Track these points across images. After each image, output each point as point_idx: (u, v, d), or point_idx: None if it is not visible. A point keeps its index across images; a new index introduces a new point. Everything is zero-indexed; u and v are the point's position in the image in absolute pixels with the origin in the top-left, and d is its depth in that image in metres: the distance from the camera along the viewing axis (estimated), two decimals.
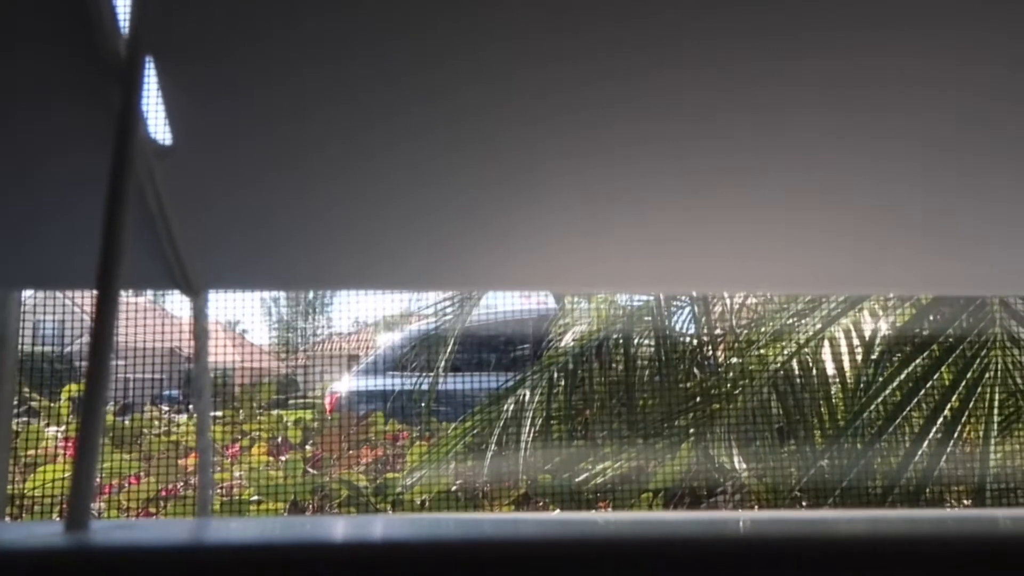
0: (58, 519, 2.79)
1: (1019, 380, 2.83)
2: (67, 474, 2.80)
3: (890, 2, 0.64)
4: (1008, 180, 0.79)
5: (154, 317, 3.77)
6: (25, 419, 3.49)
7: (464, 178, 0.76)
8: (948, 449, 2.72)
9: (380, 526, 0.64)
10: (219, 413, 3.61)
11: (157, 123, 0.68)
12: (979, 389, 2.80)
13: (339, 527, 0.65)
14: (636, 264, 0.88)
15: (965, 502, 3.01)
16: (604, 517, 0.82)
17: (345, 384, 5.00)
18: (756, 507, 2.96)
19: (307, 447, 3.51)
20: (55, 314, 4.17)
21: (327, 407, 4.46)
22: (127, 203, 0.61)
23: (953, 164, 0.78)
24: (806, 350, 3.12)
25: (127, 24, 0.61)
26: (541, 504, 2.98)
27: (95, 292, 0.61)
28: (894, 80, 0.69)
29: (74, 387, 3.63)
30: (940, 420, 2.78)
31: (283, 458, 3.30)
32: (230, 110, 0.68)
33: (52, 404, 3.56)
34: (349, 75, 0.67)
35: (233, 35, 0.64)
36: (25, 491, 2.79)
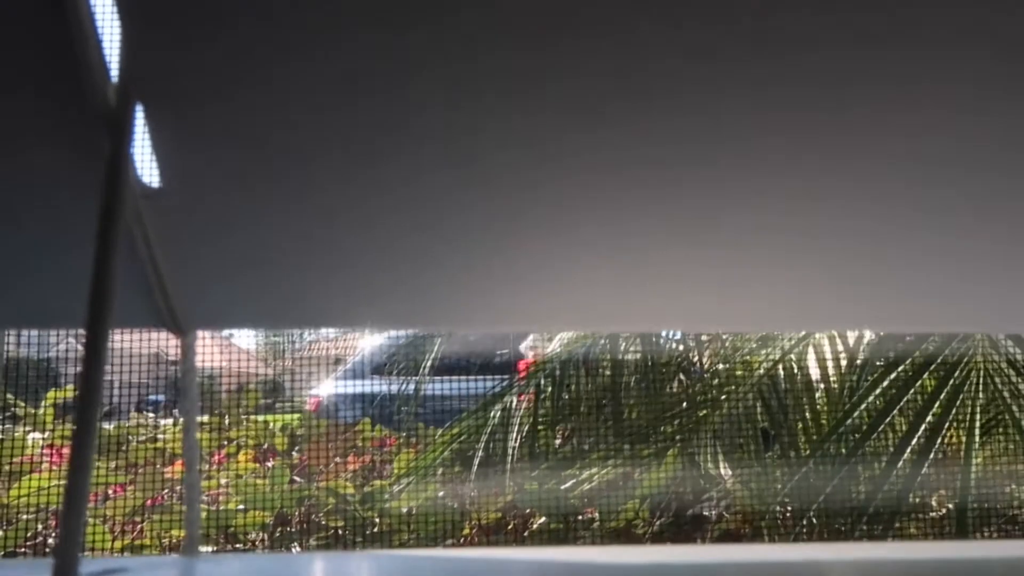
0: (41, 533, 2.77)
1: (1000, 386, 2.86)
2: (51, 484, 2.77)
3: (872, 60, 0.65)
4: (986, 223, 0.80)
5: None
6: (7, 426, 3.46)
7: (448, 225, 0.77)
8: (931, 454, 2.74)
9: (365, 567, 0.64)
10: (204, 419, 3.59)
11: (145, 166, 0.68)
12: (961, 395, 2.83)
13: (332, 569, 0.65)
14: (622, 304, 0.89)
15: (948, 506, 3.04)
16: (588, 555, 0.82)
17: (328, 387, 4.98)
18: (741, 515, 2.98)
19: (293, 453, 3.50)
20: None
21: (311, 411, 4.44)
22: (117, 245, 0.61)
23: (931, 209, 0.79)
24: (791, 357, 3.14)
25: (117, 71, 0.61)
26: (527, 512, 2.98)
27: (85, 332, 0.60)
28: (875, 129, 0.70)
29: (57, 394, 3.59)
30: (923, 426, 2.80)
31: (269, 464, 3.29)
32: (217, 154, 0.69)
33: (35, 411, 3.52)
34: (334, 122, 0.67)
35: (221, 82, 0.64)
36: (8, 501, 2.76)
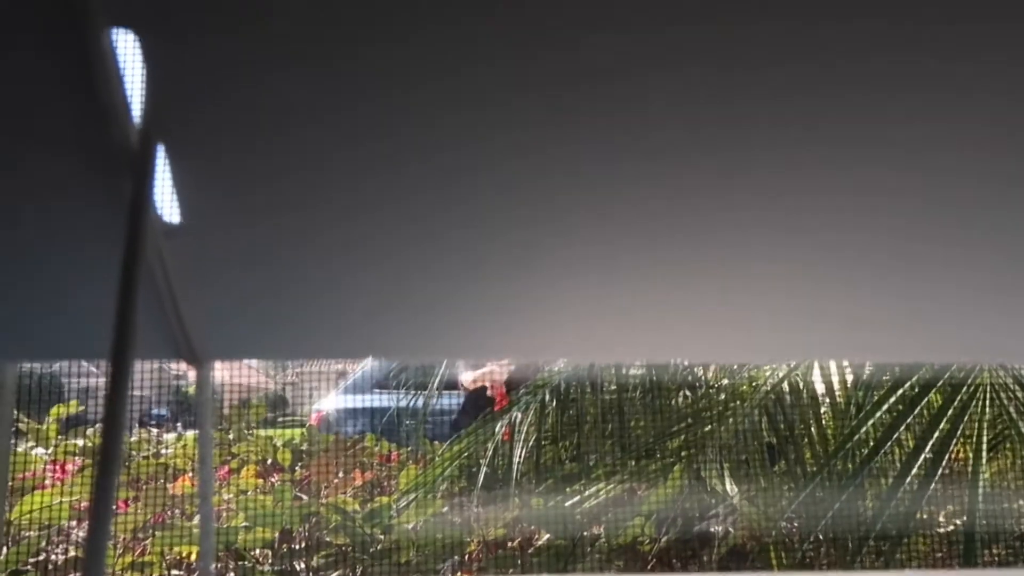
0: (62, 554, 2.76)
1: (1006, 403, 2.85)
2: (55, 501, 2.77)
3: (871, 94, 0.66)
4: (988, 251, 0.81)
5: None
6: (11, 441, 3.44)
7: (459, 258, 0.78)
8: (938, 471, 2.73)
9: None
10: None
11: (165, 203, 0.68)
12: (969, 411, 2.82)
13: None
14: (622, 334, 0.90)
15: (956, 522, 3.03)
16: None
17: (331, 402, 4.97)
18: (747, 531, 2.97)
19: (297, 468, 3.49)
20: None
21: (314, 425, 4.44)
22: (139, 281, 0.62)
23: (931, 237, 0.80)
24: (797, 372, 3.13)
25: (139, 114, 0.62)
26: (532, 528, 2.98)
27: (108, 365, 0.61)
28: (873, 160, 0.71)
29: (62, 408, 3.59)
30: (930, 442, 2.79)
31: (273, 479, 3.29)
32: (235, 192, 0.70)
33: (39, 426, 3.52)
34: (349, 161, 0.69)
35: (240, 123, 0.65)
36: (12, 518, 2.76)
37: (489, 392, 4.11)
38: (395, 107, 0.65)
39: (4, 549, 2.67)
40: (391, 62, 0.62)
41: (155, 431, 4.20)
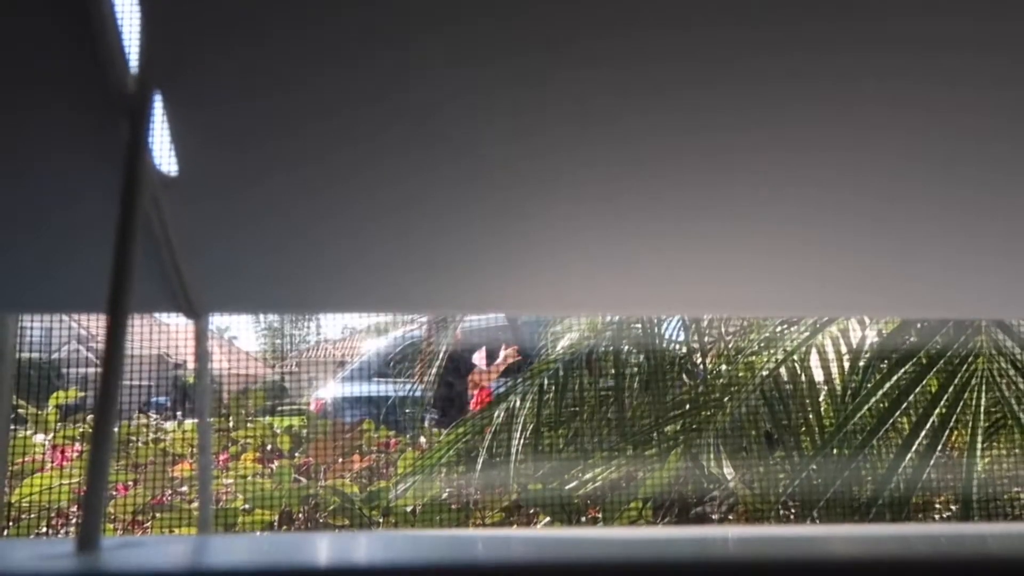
0: (63, 535, 2.78)
1: (1004, 388, 2.86)
2: (55, 484, 2.78)
3: (880, 58, 0.67)
4: (984, 207, 0.81)
5: (143, 323, 3.76)
6: (12, 427, 3.46)
7: (459, 212, 0.79)
8: (935, 457, 2.74)
9: (376, 545, 0.65)
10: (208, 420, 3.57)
11: (163, 153, 0.69)
12: (965, 397, 2.83)
13: (344, 546, 0.66)
14: (621, 288, 0.90)
15: (952, 508, 3.04)
16: (594, 534, 0.84)
17: (331, 390, 4.99)
18: (745, 515, 2.98)
19: (297, 454, 3.51)
20: (42, 320, 4.15)
21: (314, 412, 4.46)
22: (137, 233, 0.62)
23: (927, 194, 0.80)
24: (794, 358, 3.14)
25: (136, 59, 0.62)
26: (531, 512, 2.99)
27: (106, 315, 0.61)
28: (868, 113, 0.72)
29: (62, 394, 3.61)
30: (927, 428, 2.80)
31: (273, 465, 3.30)
32: (235, 142, 0.70)
33: (39, 412, 3.53)
34: (349, 114, 0.69)
35: (240, 72, 0.65)
36: (13, 501, 2.77)
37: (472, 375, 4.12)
38: (396, 62, 0.66)
39: (5, 531, 2.69)
40: (391, 13, 0.63)
41: (155, 418, 4.22)
